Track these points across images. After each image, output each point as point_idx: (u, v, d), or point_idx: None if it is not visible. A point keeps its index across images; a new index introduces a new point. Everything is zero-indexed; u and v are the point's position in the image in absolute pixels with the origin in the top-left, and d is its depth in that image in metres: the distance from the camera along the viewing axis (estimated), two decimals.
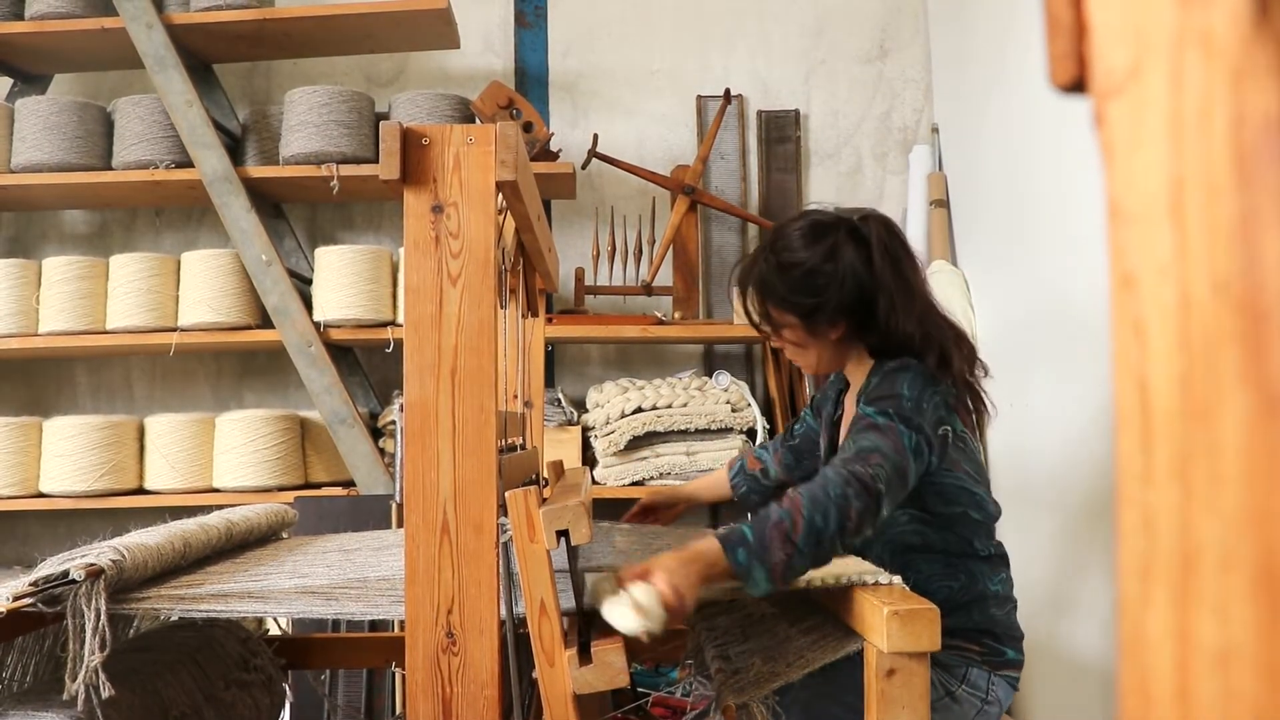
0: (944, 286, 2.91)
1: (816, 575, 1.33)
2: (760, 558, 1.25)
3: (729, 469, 2.10)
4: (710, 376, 3.07)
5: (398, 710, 2.62)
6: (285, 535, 1.85)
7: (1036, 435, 2.44)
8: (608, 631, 1.25)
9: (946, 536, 1.61)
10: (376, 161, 2.01)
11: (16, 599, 1.15)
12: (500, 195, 1.18)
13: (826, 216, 1.66)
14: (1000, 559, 1.68)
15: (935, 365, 1.57)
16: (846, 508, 1.30)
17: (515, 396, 1.78)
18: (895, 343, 1.60)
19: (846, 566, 1.38)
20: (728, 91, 3.34)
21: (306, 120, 3.07)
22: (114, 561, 1.20)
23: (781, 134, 3.46)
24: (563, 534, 1.16)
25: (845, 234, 1.61)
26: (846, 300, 1.59)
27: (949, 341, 1.61)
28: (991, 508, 1.67)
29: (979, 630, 1.61)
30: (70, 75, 3.51)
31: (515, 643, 1.25)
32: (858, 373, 1.71)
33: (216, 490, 3.02)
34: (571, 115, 3.50)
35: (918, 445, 1.45)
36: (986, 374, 1.68)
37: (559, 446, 2.98)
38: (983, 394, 1.67)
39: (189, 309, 3.07)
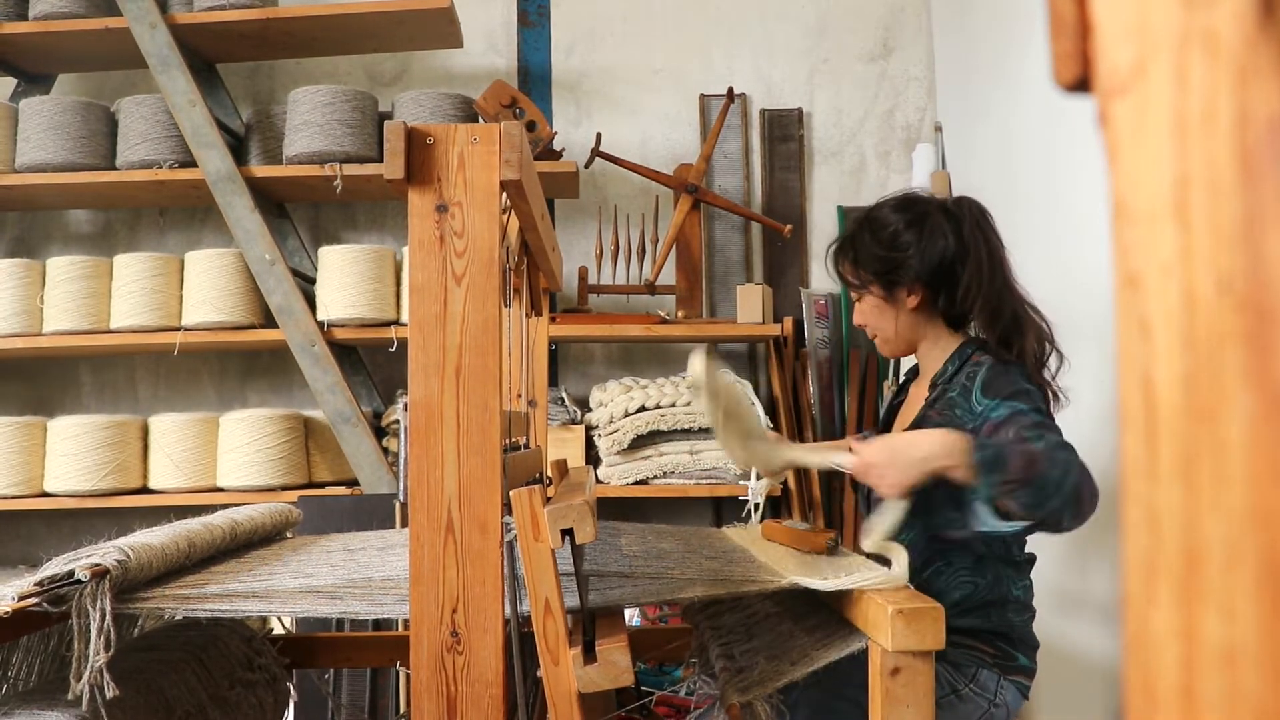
0: None
1: (818, 581, 1.32)
2: (998, 467, 1.30)
3: None
4: None
5: (402, 709, 2.63)
6: (289, 535, 1.86)
7: None
8: (611, 631, 1.25)
9: (989, 535, 1.61)
10: (380, 161, 2.01)
11: (22, 599, 1.15)
12: (504, 194, 1.18)
13: (922, 194, 1.75)
14: (1028, 565, 1.69)
15: (1019, 348, 1.62)
16: (1082, 482, 1.32)
17: (519, 395, 1.77)
18: (979, 316, 1.65)
19: (853, 570, 1.38)
20: (731, 90, 3.34)
21: (310, 120, 3.07)
22: (119, 562, 1.20)
23: (785, 132, 3.46)
24: (567, 533, 1.16)
25: (936, 208, 1.70)
26: (927, 266, 1.66)
27: (1035, 327, 1.64)
28: None
29: (994, 633, 1.61)
30: (74, 75, 3.51)
31: (520, 642, 1.25)
32: (932, 357, 1.74)
33: (220, 490, 3.03)
34: (574, 114, 3.50)
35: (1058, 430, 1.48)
36: (1062, 365, 1.69)
37: (562, 445, 2.98)
38: (1053, 387, 1.68)
39: (193, 308, 3.08)
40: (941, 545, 1.62)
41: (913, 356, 1.80)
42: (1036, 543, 2.43)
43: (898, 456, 1.30)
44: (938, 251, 1.66)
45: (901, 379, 1.97)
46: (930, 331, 1.73)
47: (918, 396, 1.76)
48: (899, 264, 1.68)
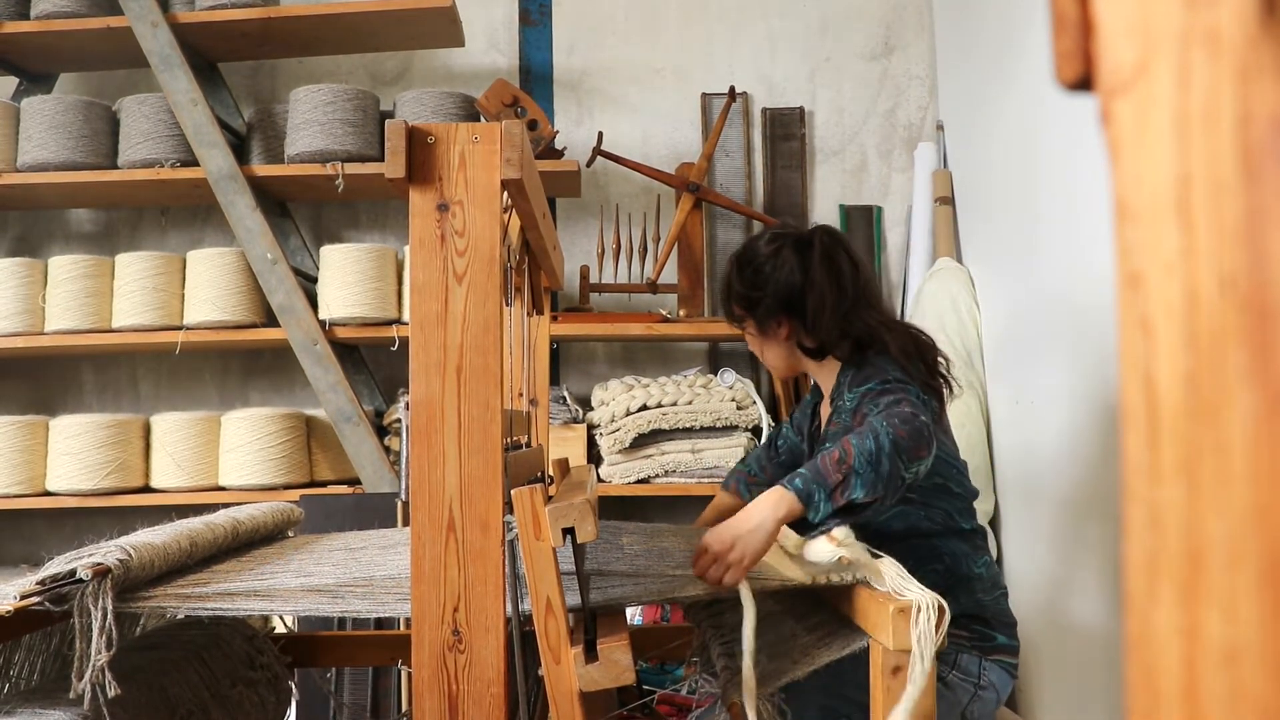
0: (949, 284, 2.91)
1: (823, 574, 1.33)
2: (817, 482, 1.33)
3: (735, 493, 2.11)
4: (715, 374, 3.07)
5: (404, 708, 2.63)
6: (291, 533, 1.86)
7: (1041, 432, 2.44)
8: (613, 630, 1.25)
9: (930, 513, 1.68)
10: (381, 160, 2.01)
11: (24, 598, 1.16)
12: (505, 193, 1.18)
13: (785, 227, 1.85)
14: (982, 539, 1.75)
15: (882, 354, 1.68)
16: (896, 429, 1.37)
17: (520, 394, 1.78)
18: (829, 339, 1.73)
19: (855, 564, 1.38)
20: (732, 89, 3.34)
21: (311, 119, 3.07)
22: (121, 561, 1.20)
23: (786, 131, 3.46)
24: (568, 532, 1.16)
25: (791, 240, 1.78)
26: (781, 297, 1.75)
27: (902, 338, 1.70)
28: (969, 485, 1.72)
29: (967, 616, 1.65)
30: (76, 74, 3.51)
31: (521, 640, 1.25)
32: (824, 376, 1.82)
33: (222, 489, 3.03)
34: (576, 113, 3.50)
35: (925, 400, 1.55)
36: (949, 366, 1.73)
37: (564, 444, 2.98)
38: (946, 382, 1.71)
39: (194, 307, 3.08)
40: (890, 545, 1.64)
41: None
42: (1040, 539, 2.43)
43: (738, 535, 1.31)
44: (784, 286, 1.75)
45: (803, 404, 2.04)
46: (810, 357, 1.80)
47: (826, 415, 1.83)
48: (758, 301, 1.78)
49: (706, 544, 1.32)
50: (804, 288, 1.73)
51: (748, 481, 2.08)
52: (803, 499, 1.33)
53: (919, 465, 1.40)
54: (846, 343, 1.71)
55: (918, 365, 1.66)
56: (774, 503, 1.33)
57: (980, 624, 1.66)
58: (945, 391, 1.73)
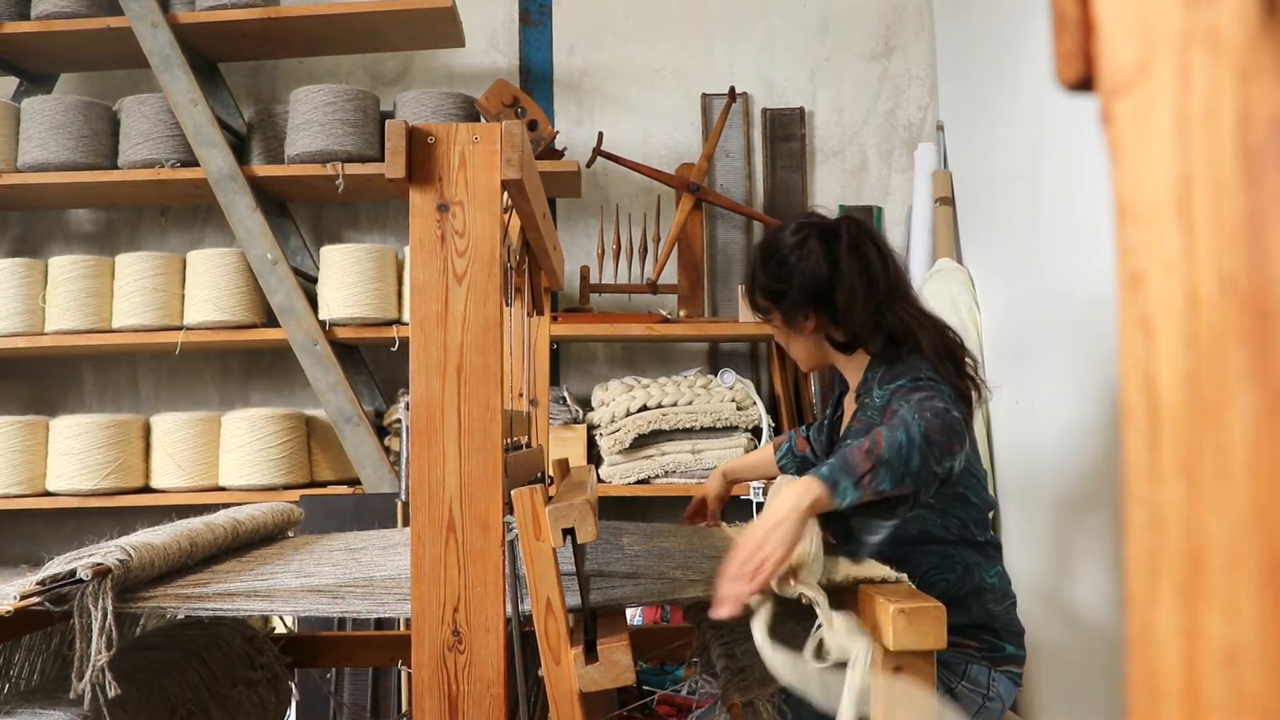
0: (949, 284, 2.91)
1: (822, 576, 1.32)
2: (845, 470, 1.29)
3: (775, 450, 2.11)
4: (715, 374, 3.07)
5: (404, 708, 2.63)
6: (291, 534, 1.86)
7: (1041, 432, 2.44)
8: (613, 630, 1.25)
9: (946, 521, 1.66)
10: (382, 160, 2.01)
11: (24, 598, 1.15)
12: (505, 194, 1.18)
13: (810, 217, 1.78)
14: (995, 550, 1.72)
15: (914, 350, 1.64)
16: (927, 422, 1.33)
17: (520, 395, 1.77)
18: (862, 332, 1.68)
19: (855, 568, 1.38)
20: (732, 89, 3.34)
21: (311, 119, 3.07)
22: (121, 561, 1.20)
23: (786, 131, 3.46)
24: (568, 532, 1.16)
25: (817, 231, 1.73)
26: (807, 289, 1.69)
27: (933, 333, 1.66)
28: (987, 496, 1.70)
29: (977, 626, 1.63)
30: (76, 74, 3.51)
31: (521, 641, 1.25)
32: (851, 369, 1.78)
33: (222, 489, 3.03)
34: (576, 113, 3.50)
35: (955, 399, 1.50)
36: (976, 367, 1.70)
37: (564, 445, 2.98)
38: (975, 384, 1.69)
39: (194, 308, 3.08)
40: (904, 549, 1.64)
41: None
42: (1040, 539, 2.43)
43: (766, 529, 1.25)
44: (811, 277, 1.70)
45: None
46: (840, 351, 1.76)
47: (850, 409, 1.79)
48: (784, 293, 1.73)
49: (736, 551, 1.25)
50: (831, 279, 1.69)
51: (795, 448, 2.06)
52: (829, 486, 1.28)
53: (951, 461, 1.36)
54: (880, 336, 1.67)
55: (947, 365, 1.62)
56: (800, 491, 1.28)
57: (990, 634, 1.65)
58: (974, 395, 1.69)
